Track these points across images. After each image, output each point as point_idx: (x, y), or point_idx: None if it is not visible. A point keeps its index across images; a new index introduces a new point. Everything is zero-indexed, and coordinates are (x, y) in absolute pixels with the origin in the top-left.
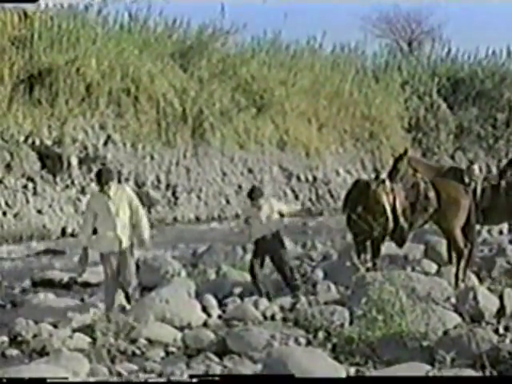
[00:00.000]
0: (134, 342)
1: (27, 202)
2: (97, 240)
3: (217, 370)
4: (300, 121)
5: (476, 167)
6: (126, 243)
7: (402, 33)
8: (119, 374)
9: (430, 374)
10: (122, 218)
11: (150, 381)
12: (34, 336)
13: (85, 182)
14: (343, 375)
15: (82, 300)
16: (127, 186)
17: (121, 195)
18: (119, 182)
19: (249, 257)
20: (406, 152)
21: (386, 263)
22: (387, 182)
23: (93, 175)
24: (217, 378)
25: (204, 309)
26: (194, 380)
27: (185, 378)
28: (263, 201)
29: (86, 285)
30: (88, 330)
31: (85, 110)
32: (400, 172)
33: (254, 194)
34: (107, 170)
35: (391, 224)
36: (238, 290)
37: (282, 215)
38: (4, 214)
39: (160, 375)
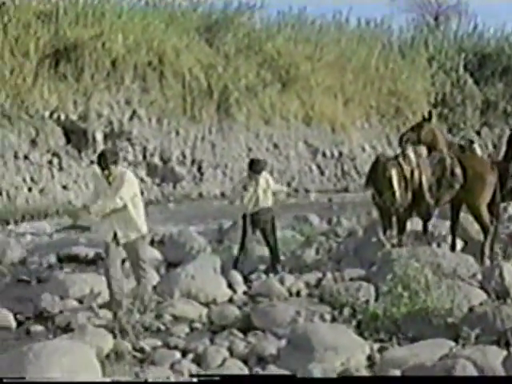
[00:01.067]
0: (158, 317)
1: (52, 177)
2: (98, 223)
3: (241, 346)
4: (326, 96)
5: (477, 146)
6: (122, 235)
7: (428, 7)
8: (142, 350)
9: (454, 351)
10: (120, 208)
11: (149, 381)
12: (60, 312)
13: None
14: (367, 352)
15: None
16: (129, 172)
17: (119, 181)
18: (144, 157)
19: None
20: (430, 115)
21: (412, 239)
22: (412, 157)
23: (118, 150)
24: (217, 378)
25: (229, 285)
26: (194, 380)
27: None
28: (263, 174)
29: None
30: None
31: (110, 85)
32: (420, 135)
33: (257, 167)
34: (110, 152)
35: (399, 199)
36: (263, 266)
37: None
38: (30, 189)
39: (184, 351)
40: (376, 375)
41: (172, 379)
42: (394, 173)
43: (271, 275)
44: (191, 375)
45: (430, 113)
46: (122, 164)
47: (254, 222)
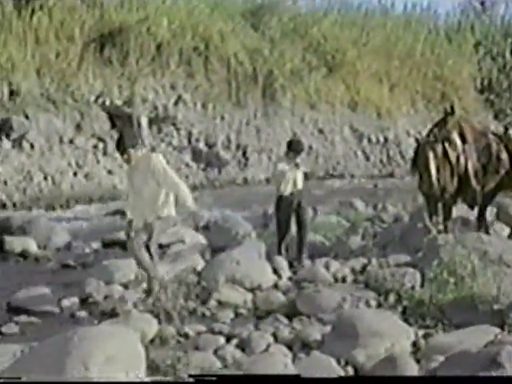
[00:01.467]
0: (203, 303)
1: (97, 162)
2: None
3: (285, 331)
4: (371, 81)
5: None
6: (138, 223)
7: None
8: (187, 335)
9: (500, 337)
10: (140, 193)
11: (149, 381)
12: (105, 297)
13: (155, 142)
14: (412, 338)
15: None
16: (155, 154)
17: (144, 165)
18: (189, 142)
19: (320, 218)
20: (452, 110)
21: (458, 225)
22: (458, 143)
23: (163, 135)
24: (213, 378)
25: (274, 270)
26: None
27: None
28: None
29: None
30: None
31: (155, 70)
32: (443, 130)
33: (297, 147)
34: (127, 136)
35: (435, 182)
36: (309, 251)
37: None
38: (75, 174)
39: (228, 336)
40: (376, 375)
41: (217, 365)
42: (431, 155)
43: (316, 261)
44: (190, 375)
45: (452, 107)
46: (167, 149)
47: (289, 205)
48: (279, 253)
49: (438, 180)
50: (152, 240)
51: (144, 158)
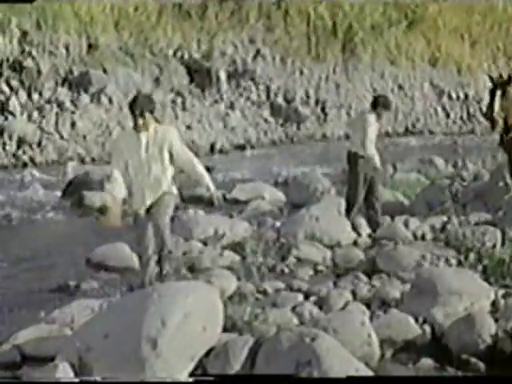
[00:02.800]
0: (282, 259)
1: (176, 117)
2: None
3: (364, 289)
4: (452, 37)
5: None
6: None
7: None
8: (265, 292)
9: None
10: (155, 171)
11: (149, 381)
12: (184, 253)
13: (233, 97)
14: (492, 297)
15: (232, 217)
16: (172, 127)
17: (161, 138)
18: (267, 97)
19: (399, 175)
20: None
21: None
22: None
23: (242, 90)
24: (211, 378)
25: (353, 227)
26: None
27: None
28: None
29: (236, 202)
30: (238, 247)
31: (234, 24)
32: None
33: (387, 102)
34: (145, 98)
35: (496, 116)
36: (388, 209)
37: None
38: None
39: (306, 293)
40: (376, 375)
41: (294, 322)
42: (498, 92)
43: (396, 218)
44: (190, 375)
45: (509, 76)
46: (245, 104)
47: (363, 167)
48: (348, 216)
49: (505, 121)
50: (162, 214)
51: (163, 128)
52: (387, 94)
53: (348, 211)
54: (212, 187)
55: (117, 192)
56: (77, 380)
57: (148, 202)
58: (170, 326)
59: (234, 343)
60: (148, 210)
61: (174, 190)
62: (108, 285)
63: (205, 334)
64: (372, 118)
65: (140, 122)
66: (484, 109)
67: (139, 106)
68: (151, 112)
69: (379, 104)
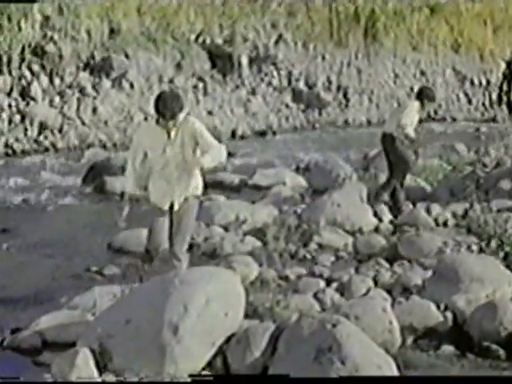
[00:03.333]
0: (304, 245)
1: (197, 102)
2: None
3: (386, 275)
4: (475, 22)
5: None
6: (179, 202)
7: None
8: (287, 278)
9: None
10: (182, 166)
11: (149, 381)
12: (205, 239)
13: (255, 83)
14: None
15: (253, 203)
16: (195, 120)
17: (185, 129)
18: (289, 83)
19: (422, 162)
20: None
21: None
22: None
23: (263, 75)
24: (210, 378)
25: (375, 214)
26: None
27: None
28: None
29: (257, 187)
30: (259, 233)
31: (256, 9)
32: None
33: (431, 94)
34: (175, 98)
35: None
36: (410, 195)
37: None
38: None
39: (328, 280)
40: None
41: (316, 308)
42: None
43: (418, 205)
44: (190, 375)
45: None
46: (267, 89)
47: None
48: (378, 199)
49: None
50: (188, 216)
51: (185, 121)
52: (409, 80)
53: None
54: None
55: (129, 188)
56: (78, 381)
57: (173, 199)
58: (192, 312)
59: (255, 329)
60: (171, 207)
61: (200, 188)
62: (130, 270)
63: (226, 319)
64: (416, 104)
65: (171, 124)
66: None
67: (170, 109)
68: (181, 110)
69: (424, 95)
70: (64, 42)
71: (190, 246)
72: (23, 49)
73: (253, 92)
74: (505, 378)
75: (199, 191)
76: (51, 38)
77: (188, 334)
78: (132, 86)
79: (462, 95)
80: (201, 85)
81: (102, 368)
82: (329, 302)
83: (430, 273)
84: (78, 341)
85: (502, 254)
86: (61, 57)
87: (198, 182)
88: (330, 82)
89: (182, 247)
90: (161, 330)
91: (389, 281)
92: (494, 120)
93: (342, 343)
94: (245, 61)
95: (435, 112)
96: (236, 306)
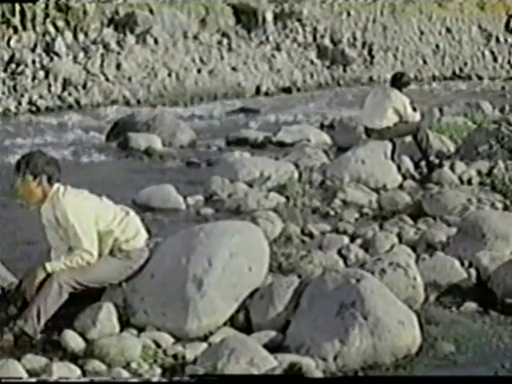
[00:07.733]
0: (328, 202)
1: (222, 58)
2: None
3: (410, 232)
4: None
5: None
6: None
7: None
8: (311, 234)
9: None
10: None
11: (148, 380)
12: (229, 195)
13: (279, 39)
14: None
15: (277, 159)
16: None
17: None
18: (314, 39)
19: (446, 119)
20: None
21: None
22: None
23: (288, 31)
24: (211, 378)
25: (400, 170)
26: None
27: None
28: None
29: (281, 144)
30: (283, 189)
31: None
32: None
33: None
34: (39, 159)
35: None
36: (433, 152)
37: None
38: (199, 71)
39: (352, 236)
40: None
41: (340, 264)
42: None
43: (442, 162)
44: (190, 375)
45: None
46: (292, 46)
47: None
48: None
49: None
50: None
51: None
52: (435, 37)
53: None
54: None
55: None
56: (81, 380)
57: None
58: (216, 266)
59: (279, 284)
60: None
61: None
62: (154, 226)
63: (250, 274)
64: (396, 91)
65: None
66: None
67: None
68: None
69: (398, 82)
70: None
71: (215, 202)
72: (47, 5)
73: (277, 48)
74: (506, 378)
75: None
76: None
77: (212, 289)
78: (156, 41)
79: (487, 53)
80: (225, 41)
81: (123, 323)
82: (353, 258)
83: (454, 230)
84: (102, 295)
85: None
86: (85, 12)
87: None
88: (355, 39)
89: None
90: (185, 284)
91: (413, 237)
92: None
93: (365, 298)
94: (269, 16)
95: (460, 69)
96: (260, 261)
